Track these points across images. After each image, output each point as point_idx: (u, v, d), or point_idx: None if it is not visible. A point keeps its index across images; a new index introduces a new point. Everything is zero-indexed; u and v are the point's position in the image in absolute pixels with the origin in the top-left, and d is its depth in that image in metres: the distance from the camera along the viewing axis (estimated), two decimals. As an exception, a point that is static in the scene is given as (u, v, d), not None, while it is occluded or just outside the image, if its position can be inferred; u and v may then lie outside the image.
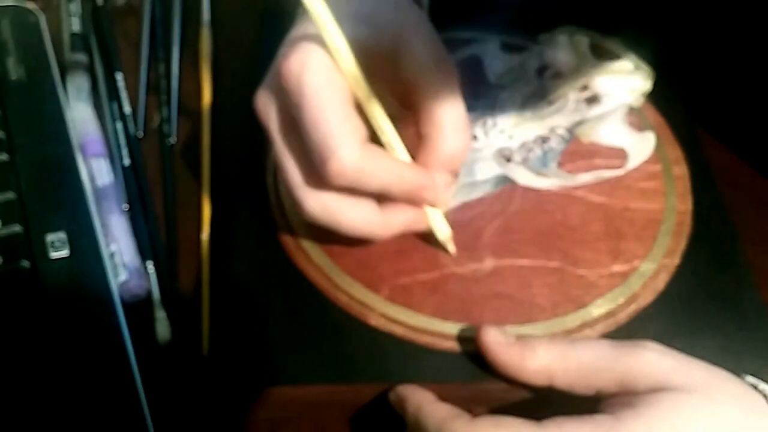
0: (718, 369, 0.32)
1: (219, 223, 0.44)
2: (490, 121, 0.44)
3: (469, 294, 0.37)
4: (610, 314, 0.37)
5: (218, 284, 0.42)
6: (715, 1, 0.50)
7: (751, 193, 0.44)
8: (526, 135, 0.44)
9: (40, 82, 0.48)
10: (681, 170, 0.43)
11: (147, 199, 0.45)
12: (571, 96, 0.45)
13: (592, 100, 0.45)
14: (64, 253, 0.40)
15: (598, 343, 0.33)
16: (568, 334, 0.36)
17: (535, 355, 0.33)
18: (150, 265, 0.42)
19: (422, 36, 0.36)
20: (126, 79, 0.51)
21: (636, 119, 0.45)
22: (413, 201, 0.36)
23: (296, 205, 0.35)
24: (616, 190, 0.42)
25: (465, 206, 0.41)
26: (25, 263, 0.40)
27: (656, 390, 0.31)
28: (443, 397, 0.36)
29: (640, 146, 0.44)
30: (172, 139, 0.48)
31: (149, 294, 0.41)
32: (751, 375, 0.35)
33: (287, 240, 0.39)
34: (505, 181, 0.42)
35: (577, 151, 0.43)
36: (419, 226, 0.37)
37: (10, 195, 0.42)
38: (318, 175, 0.34)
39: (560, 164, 0.43)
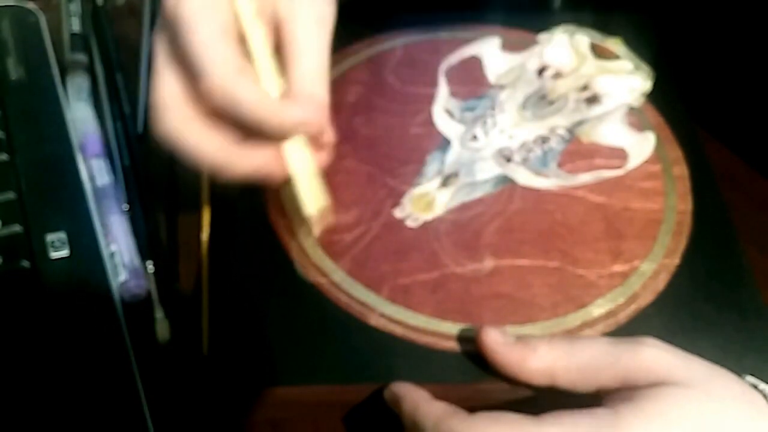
0: (718, 367, 0.32)
1: (219, 223, 0.44)
2: (490, 121, 0.45)
3: (469, 294, 0.37)
4: (610, 314, 0.37)
5: (218, 284, 0.41)
6: (716, 1, 0.50)
7: (751, 193, 0.45)
8: (526, 135, 0.44)
9: (40, 82, 0.48)
10: (681, 170, 0.43)
11: (147, 199, 0.45)
12: (571, 96, 0.46)
13: (592, 100, 0.45)
14: (64, 253, 0.40)
15: (598, 341, 0.34)
16: (569, 334, 0.36)
17: (536, 354, 0.33)
18: (150, 265, 0.42)
19: None
20: (126, 79, 0.51)
21: (636, 119, 0.45)
22: (267, 133, 0.35)
23: (153, 125, 0.35)
24: (616, 190, 0.42)
25: (465, 206, 0.41)
26: (25, 263, 0.40)
27: (656, 385, 0.31)
28: (443, 397, 0.36)
29: (640, 146, 0.44)
30: (172, 139, 0.48)
31: (149, 294, 0.41)
32: (751, 375, 0.35)
33: (287, 240, 0.39)
34: (505, 181, 0.42)
35: (577, 151, 0.43)
36: (272, 173, 0.36)
37: (10, 195, 0.42)
38: (188, 92, 0.34)
39: (560, 164, 0.43)
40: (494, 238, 0.39)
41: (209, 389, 0.36)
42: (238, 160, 0.35)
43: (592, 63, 0.47)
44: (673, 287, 0.38)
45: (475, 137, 0.44)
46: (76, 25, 0.52)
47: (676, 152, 0.44)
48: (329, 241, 0.39)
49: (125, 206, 0.44)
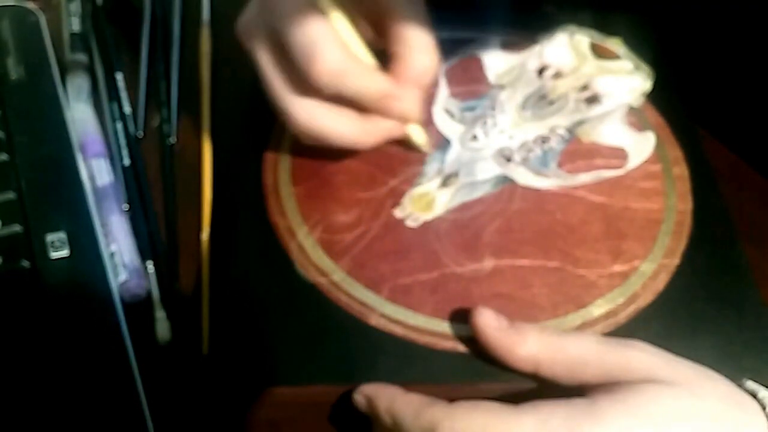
0: (706, 369, 0.33)
1: (219, 223, 0.44)
2: (490, 121, 0.45)
3: (469, 294, 0.38)
4: (610, 314, 0.37)
5: (218, 284, 0.42)
6: (716, 1, 0.50)
7: (752, 193, 0.45)
8: (526, 135, 0.44)
9: (40, 82, 0.48)
10: (681, 170, 0.43)
11: (147, 199, 0.45)
12: (571, 96, 0.46)
13: (592, 99, 0.45)
14: (64, 253, 0.41)
15: (587, 337, 0.34)
16: None
17: (524, 342, 0.34)
18: (150, 265, 0.43)
19: None
20: (126, 79, 0.51)
21: (636, 119, 0.45)
22: (385, 111, 0.39)
23: (284, 116, 0.39)
24: (616, 190, 0.42)
25: (465, 206, 0.41)
26: (25, 263, 0.40)
27: (640, 381, 0.31)
28: (443, 398, 0.36)
29: (640, 146, 0.44)
30: (172, 139, 0.49)
31: (149, 294, 0.42)
32: (751, 376, 0.35)
33: (287, 239, 0.39)
34: (505, 181, 0.42)
35: (577, 151, 0.43)
36: (398, 134, 0.41)
37: (10, 195, 0.43)
38: (303, 86, 0.38)
39: (560, 164, 0.43)
40: (494, 238, 0.40)
41: (209, 389, 0.37)
42: (370, 131, 0.39)
43: (592, 63, 0.47)
44: (673, 287, 0.38)
45: (475, 137, 0.44)
46: (76, 25, 0.53)
47: (676, 152, 0.44)
48: (329, 241, 0.39)
49: (125, 206, 0.45)
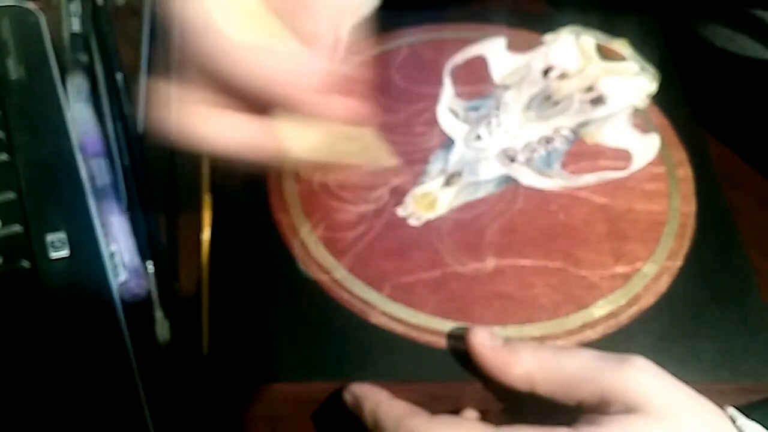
0: (701, 398, 0.33)
1: (219, 223, 0.45)
2: (494, 121, 0.46)
3: (471, 293, 0.39)
4: (611, 315, 0.38)
5: (218, 284, 0.42)
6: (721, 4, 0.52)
7: (755, 196, 0.46)
8: (530, 135, 0.45)
9: (40, 82, 0.49)
10: (685, 172, 0.44)
11: (147, 199, 0.46)
12: (576, 97, 0.47)
13: (597, 101, 0.47)
14: (64, 253, 0.41)
15: (584, 354, 0.35)
16: (570, 335, 0.38)
17: (519, 360, 0.35)
18: (150, 265, 0.43)
19: None
20: (126, 79, 0.52)
21: (641, 121, 0.46)
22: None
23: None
24: (620, 192, 0.43)
25: (468, 206, 0.42)
26: (25, 263, 0.41)
27: (629, 411, 0.32)
28: (443, 396, 0.37)
29: (645, 148, 0.45)
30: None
31: (149, 294, 0.43)
32: (752, 378, 0.36)
33: (290, 237, 0.41)
34: (508, 181, 0.43)
35: (581, 152, 0.45)
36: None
37: (10, 195, 0.44)
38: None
39: (564, 165, 0.44)
40: (497, 237, 0.41)
41: (209, 387, 0.38)
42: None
43: (597, 64, 0.48)
44: (675, 289, 0.39)
45: (479, 137, 0.45)
46: (76, 25, 0.54)
47: (680, 154, 0.45)
48: (331, 239, 0.40)
49: (125, 206, 0.46)
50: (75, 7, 0.55)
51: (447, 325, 0.38)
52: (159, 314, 0.42)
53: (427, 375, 0.36)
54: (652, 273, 0.40)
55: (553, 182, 0.43)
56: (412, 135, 0.45)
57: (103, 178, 0.46)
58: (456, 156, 0.44)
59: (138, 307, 0.42)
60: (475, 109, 0.47)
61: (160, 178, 0.48)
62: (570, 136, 0.45)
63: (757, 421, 0.34)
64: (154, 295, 0.43)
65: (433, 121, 0.46)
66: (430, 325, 0.38)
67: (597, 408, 0.33)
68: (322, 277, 0.39)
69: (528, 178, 0.44)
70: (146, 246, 0.44)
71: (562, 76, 0.48)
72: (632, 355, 0.34)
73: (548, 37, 0.50)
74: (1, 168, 0.45)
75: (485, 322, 0.38)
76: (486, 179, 0.43)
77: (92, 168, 0.47)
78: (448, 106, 0.47)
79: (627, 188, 0.43)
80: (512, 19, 0.52)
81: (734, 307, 0.39)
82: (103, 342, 0.39)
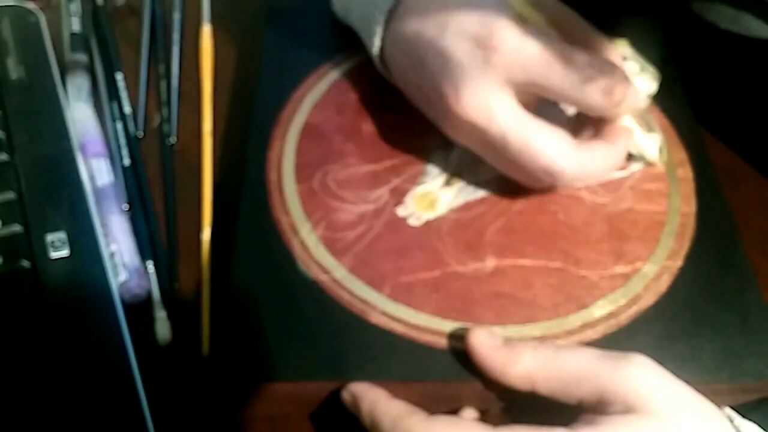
0: (700, 397, 0.33)
1: (219, 223, 0.46)
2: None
3: (471, 293, 0.39)
4: (611, 315, 0.39)
5: (218, 284, 0.43)
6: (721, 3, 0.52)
7: (755, 196, 0.46)
8: (530, 136, 0.46)
9: (40, 82, 0.49)
10: (685, 172, 0.44)
11: (147, 199, 0.47)
12: None
13: None
14: (64, 253, 0.42)
15: (584, 353, 0.35)
16: (569, 335, 0.38)
17: (519, 360, 0.35)
18: (150, 265, 0.44)
19: None
20: (126, 79, 0.53)
21: (641, 121, 0.46)
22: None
23: (553, 176, 0.39)
24: (620, 192, 0.43)
25: (468, 205, 0.42)
26: (25, 263, 0.41)
27: (628, 411, 0.32)
28: (443, 396, 0.37)
29: (645, 148, 0.45)
30: (172, 139, 0.50)
31: (149, 294, 0.43)
32: (752, 378, 0.36)
33: (290, 236, 0.41)
34: (508, 181, 0.43)
35: (581, 153, 0.45)
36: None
37: (10, 195, 0.44)
38: (566, 141, 0.39)
39: (564, 165, 0.44)
40: (496, 237, 0.41)
41: (209, 386, 0.38)
42: (619, 155, 0.41)
43: (597, 64, 0.49)
44: (675, 289, 0.39)
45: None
46: (76, 25, 0.54)
47: (680, 154, 0.45)
48: (332, 239, 0.41)
49: (125, 206, 0.46)
50: (75, 7, 0.55)
51: (447, 325, 0.38)
52: (159, 314, 0.42)
53: (427, 375, 0.36)
54: (652, 273, 0.40)
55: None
56: (412, 135, 0.45)
57: (103, 178, 0.47)
58: (456, 156, 0.45)
59: (138, 307, 0.42)
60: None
61: (160, 178, 0.48)
62: (570, 136, 0.45)
63: (756, 422, 0.34)
64: (154, 295, 0.43)
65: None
66: (430, 325, 0.38)
67: (596, 407, 0.33)
68: (322, 277, 0.39)
69: (528, 177, 0.44)
70: (146, 246, 0.45)
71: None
72: (633, 353, 0.34)
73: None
74: (1, 168, 0.45)
75: (485, 322, 0.38)
76: (486, 179, 0.44)
77: (92, 168, 0.47)
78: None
79: (627, 188, 0.44)
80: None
81: (734, 306, 0.39)
82: (103, 342, 0.39)
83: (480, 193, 0.43)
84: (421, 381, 0.36)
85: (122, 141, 0.49)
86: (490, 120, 0.39)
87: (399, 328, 0.38)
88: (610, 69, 0.38)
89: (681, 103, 0.48)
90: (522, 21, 0.39)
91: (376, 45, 0.44)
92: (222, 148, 0.50)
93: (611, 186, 0.44)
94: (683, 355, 0.37)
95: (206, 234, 0.45)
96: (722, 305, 0.39)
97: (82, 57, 0.53)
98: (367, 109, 0.47)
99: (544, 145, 0.39)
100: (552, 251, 0.41)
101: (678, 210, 0.43)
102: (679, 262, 0.41)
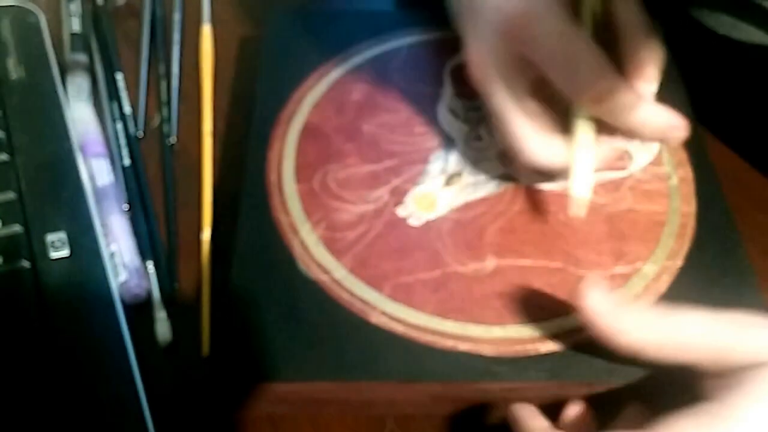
0: None
1: (219, 223, 0.46)
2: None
3: (471, 293, 0.39)
4: (611, 315, 0.39)
5: (218, 284, 0.43)
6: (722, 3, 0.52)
7: (756, 196, 0.46)
8: (530, 136, 0.46)
9: (40, 82, 0.50)
10: (685, 172, 0.44)
11: (147, 199, 0.47)
12: None
13: None
14: (64, 253, 0.42)
15: (698, 315, 0.35)
16: (570, 335, 0.38)
17: (631, 329, 0.34)
18: (150, 265, 0.44)
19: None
20: (126, 79, 0.53)
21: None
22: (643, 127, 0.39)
23: (522, 155, 0.40)
24: (620, 192, 0.43)
25: (468, 205, 0.42)
26: (25, 263, 0.41)
27: (756, 366, 0.32)
28: (443, 397, 0.38)
29: (645, 148, 0.45)
30: (172, 139, 0.50)
31: (149, 294, 0.43)
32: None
33: (290, 236, 0.41)
34: (508, 180, 0.43)
35: (581, 153, 0.45)
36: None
37: (10, 195, 0.44)
38: (545, 125, 0.39)
39: (564, 165, 0.44)
40: (497, 237, 0.41)
41: (209, 389, 0.38)
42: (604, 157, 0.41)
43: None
44: (675, 289, 0.39)
45: (479, 137, 0.45)
46: (76, 25, 0.54)
47: (680, 154, 0.45)
48: (332, 239, 0.41)
49: (125, 206, 0.46)
50: (75, 7, 0.55)
51: (447, 325, 0.38)
52: (159, 314, 0.42)
53: (427, 375, 0.36)
54: (652, 273, 0.40)
55: (553, 182, 0.44)
56: (412, 135, 0.46)
57: (103, 178, 0.47)
58: (456, 156, 0.45)
59: (138, 307, 0.42)
60: (476, 109, 0.47)
61: (160, 178, 0.48)
62: (570, 136, 0.46)
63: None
64: (154, 295, 0.43)
65: (433, 121, 0.46)
66: (430, 325, 0.38)
67: (716, 368, 0.33)
68: (322, 277, 0.39)
69: (529, 178, 0.44)
70: (146, 246, 0.45)
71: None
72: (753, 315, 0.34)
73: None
74: (1, 168, 0.45)
75: (485, 322, 0.38)
76: (486, 179, 0.44)
77: (92, 168, 0.47)
78: (448, 106, 0.47)
79: (627, 188, 0.44)
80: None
81: (734, 307, 0.38)
82: (103, 342, 0.39)
83: (480, 193, 0.43)
84: (421, 381, 0.36)
85: (122, 141, 0.50)
86: (484, 83, 0.40)
87: (399, 328, 0.38)
88: (602, 72, 0.38)
89: (680, 103, 0.47)
90: None
91: None
92: (222, 148, 0.50)
93: (611, 186, 0.44)
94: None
95: (206, 234, 0.45)
96: (722, 305, 0.38)
97: (82, 57, 0.53)
98: (367, 109, 0.47)
99: (522, 128, 0.39)
100: (552, 251, 0.41)
101: (678, 210, 0.43)
102: (679, 262, 0.41)
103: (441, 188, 0.43)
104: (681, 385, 0.34)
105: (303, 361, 0.37)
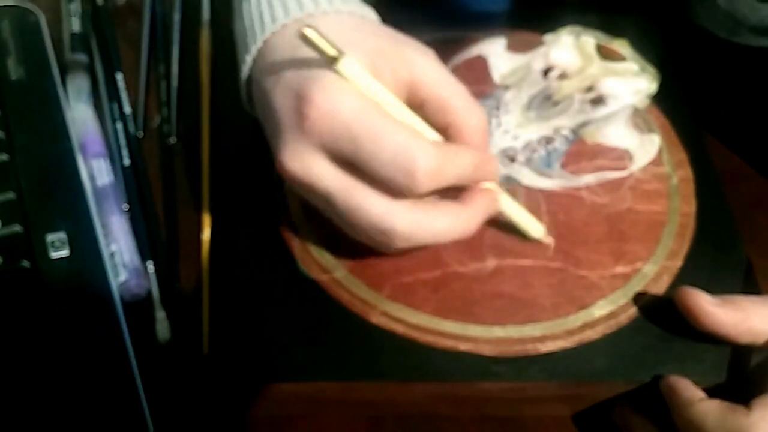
0: None
1: (219, 223, 0.45)
2: (494, 121, 0.46)
3: (471, 293, 0.39)
4: (611, 315, 0.39)
5: (218, 284, 0.43)
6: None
7: (755, 196, 0.46)
8: (531, 135, 0.46)
9: (40, 82, 0.50)
10: (685, 173, 0.45)
11: (147, 199, 0.47)
12: (576, 97, 0.47)
13: (597, 101, 0.47)
14: (64, 253, 0.42)
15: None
16: (570, 335, 0.38)
17: (748, 317, 0.36)
18: (150, 265, 0.44)
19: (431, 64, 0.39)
20: (126, 79, 0.53)
21: (641, 121, 0.47)
22: (481, 179, 0.38)
23: (386, 235, 0.36)
24: (620, 192, 0.43)
25: (467, 206, 0.43)
26: (25, 263, 0.41)
27: None
28: (443, 397, 0.38)
29: (645, 148, 0.45)
30: (172, 139, 0.50)
31: (149, 294, 0.43)
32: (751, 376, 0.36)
33: (288, 237, 0.41)
34: (508, 181, 0.44)
35: (581, 152, 0.45)
36: (495, 208, 0.40)
37: (10, 195, 0.44)
38: (398, 199, 0.36)
39: (564, 165, 0.44)
40: (497, 237, 0.41)
41: (210, 387, 0.38)
42: (473, 216, 0.38)
43: (597, 64, 0.49)
44: (675, 289, 0.39)
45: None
46: (76, 25, 0.54)
47: (680, 155, 0.45)
48: (331, 239, 0.40)
49: (125, 206, 0.46)
50: (75, 7, 0.55)
51: (447, 325, 0.38)
52: (159, 314, 0.42)
53: (427, 375, 0.37)
54: (652, 273, 0.40)
55: (553, 182, 0.44)
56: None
57: (103, 178, 0.47)
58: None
59: (138, 307, 0.42)
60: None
61: (160, 178, 0.48)
62: (570, 136, 0.46)
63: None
64: (154, 295, 0.43)
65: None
66: (430, 325, 0.38)
67: None
68: (322, 277, 0.39)
69: (528, 178, 0.44)
70: (146, 246, 0.45)
71: (562, 76, 0.48)
72: None
73: (548, 37, 0.50)
74: (1, 168, 0.45)
75: (485, 322, 0.38)
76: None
77: (92, 168, 0.47)
78: (448, 107, 0.47)
79: (627, 188, 0.44)
80: (512, 19, 0.52)
81: None
82: (103, 342, 0.39)
83: (480, 193, 0.43)
84: (421, 381, 0.36)
85: (122, 141, 0.49)
86: (312, 182, 0.36)
87: (399, 328, 0.38)
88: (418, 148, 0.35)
89: (680, 103, 0.48)
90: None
91: (243, 72, 0.42)
92: (222, 148, 0.49)
93: (611, 186, 0.44)
94: (683, 355, 0.37)
95: (206, 234, 0.45)
96: (722, 305, 0.39)
97: (82, 57, 0.53)
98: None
99: (371, 203, 0.36)
100: (552, 251, 0.41)
101: (678, 210, 0.43)
102: (679, 262, 0.41)
103: (441, 188, 0.43)
104: None
105: (302, 361, 0.37)
